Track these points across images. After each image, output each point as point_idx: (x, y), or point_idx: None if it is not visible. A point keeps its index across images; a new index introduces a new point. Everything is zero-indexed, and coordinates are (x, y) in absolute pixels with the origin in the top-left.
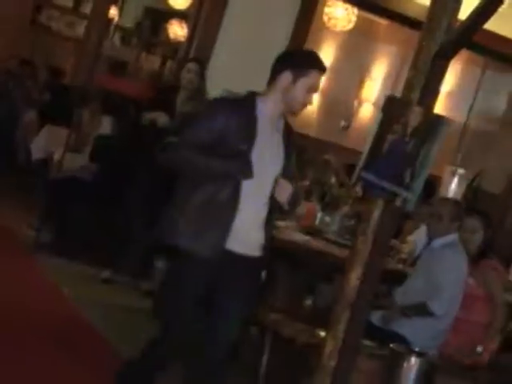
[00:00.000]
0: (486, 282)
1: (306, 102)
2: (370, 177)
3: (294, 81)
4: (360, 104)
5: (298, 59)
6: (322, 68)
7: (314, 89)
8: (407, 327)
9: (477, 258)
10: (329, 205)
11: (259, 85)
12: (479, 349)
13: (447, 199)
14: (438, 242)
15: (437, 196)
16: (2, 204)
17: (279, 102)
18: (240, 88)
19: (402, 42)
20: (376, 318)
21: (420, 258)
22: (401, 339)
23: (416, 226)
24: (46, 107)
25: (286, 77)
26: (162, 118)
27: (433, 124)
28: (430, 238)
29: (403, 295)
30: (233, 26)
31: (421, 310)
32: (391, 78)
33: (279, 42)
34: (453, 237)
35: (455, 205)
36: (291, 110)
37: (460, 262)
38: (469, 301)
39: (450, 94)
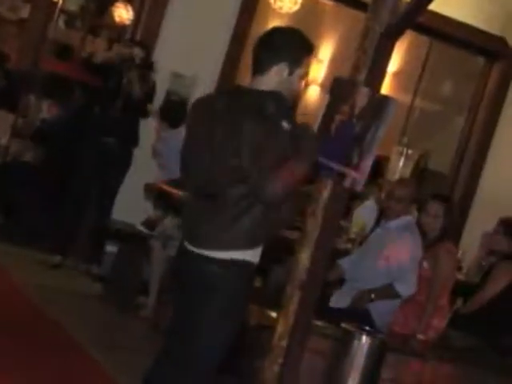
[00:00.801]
0: (436, 264)
1: (299, 90)
2: (319, 158)
3: (291, 73)
4: (307, 86)
5: (294, 50)
6: (313, 52)
7: (306, 74)
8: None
9: (433, 242)
10: None
11: (206, 66)
12: (420, 336)
13: (407, 181)
14: (394, 223)
15: (386, 176)
16: None
17: None
18: (187, 69)
19: (348, 23)
20: (338, 300)
21: (372, 236)
22: (365, 315)
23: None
24: None
25: (282, 70)
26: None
27: (380, 104)
28: (385, 218)
29: (365, 279)
30: (179, 7)
31: (388, 292)
32: (338, 59)
33: (226, 25)
34: (409, 218)
35: (414, 187)
36: None
37: (418, 244)
38: (421, 283)
39: (395, 74)
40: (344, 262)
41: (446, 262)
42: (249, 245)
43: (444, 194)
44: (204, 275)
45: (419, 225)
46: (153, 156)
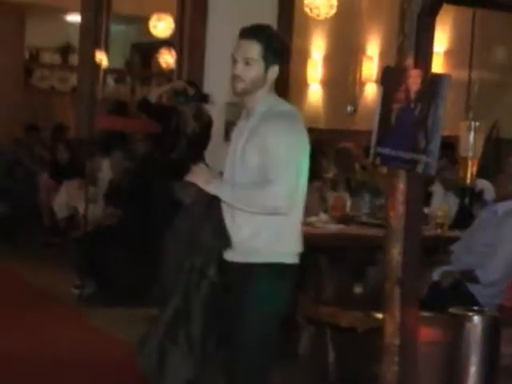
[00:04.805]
0: None
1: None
2: (386, 150)
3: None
4: (362, 85)
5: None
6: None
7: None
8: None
9: None
10: (356, 189)
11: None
12: None
13: None
14: (501, 207)
15: (459, 154)
16: (42, 267)
17: None
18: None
19: (386, 13)
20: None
21: (477, 220)
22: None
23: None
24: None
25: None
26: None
27: (433, 83)
28: (496, 197)
29: (467, 263)
30: (217, 40)
31: (470, 276)
32: (386, 50)
33: None
34: None
35: None
36: None
37: None
38: None
39: (447, 53)
40: (454, 247)
41: None
42: None
43: None
44: None
45: None
46: None
